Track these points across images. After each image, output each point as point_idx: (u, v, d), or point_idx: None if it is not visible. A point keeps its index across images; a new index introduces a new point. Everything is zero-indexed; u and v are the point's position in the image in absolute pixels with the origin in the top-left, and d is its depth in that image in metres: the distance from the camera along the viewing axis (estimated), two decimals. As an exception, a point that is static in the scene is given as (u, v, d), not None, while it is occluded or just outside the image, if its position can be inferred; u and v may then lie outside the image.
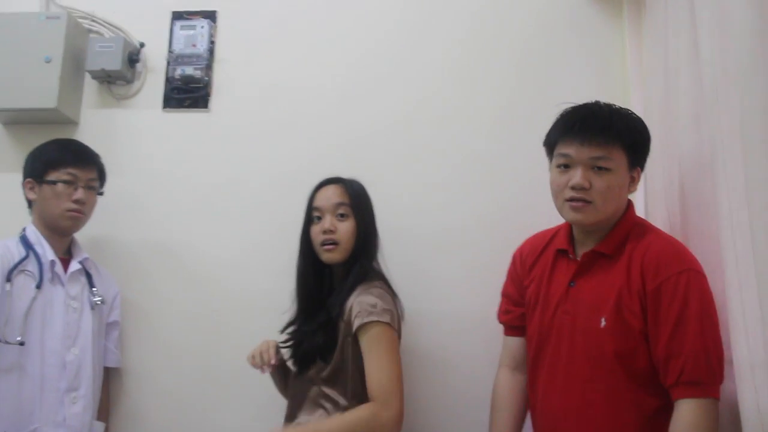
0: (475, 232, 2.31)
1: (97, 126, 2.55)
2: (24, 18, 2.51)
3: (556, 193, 1.69)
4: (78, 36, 2.54)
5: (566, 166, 1.65)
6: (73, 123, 2.54)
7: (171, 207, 2.46)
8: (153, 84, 2.58)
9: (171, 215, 2.46)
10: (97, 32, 2.61)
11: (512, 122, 2.37)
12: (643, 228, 1.69)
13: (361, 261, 1.91)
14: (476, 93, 2.42)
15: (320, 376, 1.84)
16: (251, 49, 2.56)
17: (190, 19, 2.58)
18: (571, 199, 1.63)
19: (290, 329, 1.98)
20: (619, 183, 1.63)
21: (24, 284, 2.02)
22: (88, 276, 2.19)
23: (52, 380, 2.00)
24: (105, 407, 2.26)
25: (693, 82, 1.76)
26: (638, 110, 1.92)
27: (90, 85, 2.59)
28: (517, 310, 1.89)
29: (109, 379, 2.30)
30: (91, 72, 2.53)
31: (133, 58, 2.55)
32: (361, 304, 1.80)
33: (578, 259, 1.72)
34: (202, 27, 2.55)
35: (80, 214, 2.12)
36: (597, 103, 1.70)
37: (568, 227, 1.78)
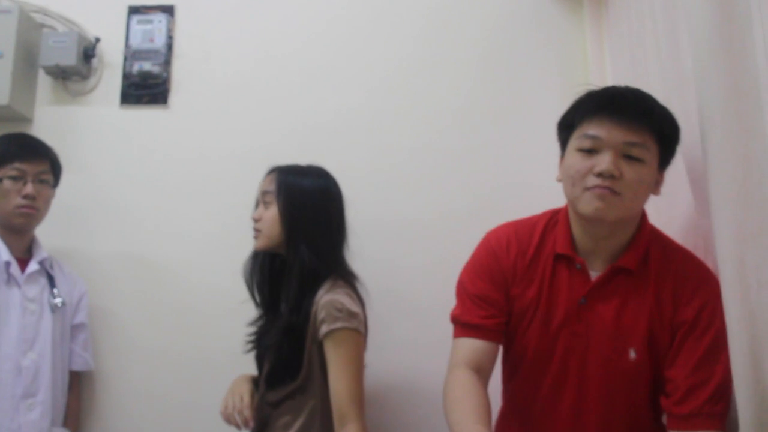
0: (441, 224, 2.31)
1: (51, 123, 2.48)
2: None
3: (575, 179, 1.42)
4: (30, 30, 2.46)
5: (591, 150, 1.40)
6: (26, 120, 2.46)
7: (131, 206, 2.41)
8: (109, 80, 2.52)
9: (131, 214, 2.41)
10: (50, 26, 2.53)
11: (475, 113, 2.37)
12: (661, 240, 1.50)
13: (300, 250, 1.78)
14: (439, 85, 2.41)
15: (284, 393, 1.75)
16: (210, 43, 2.51)
17: (147, 13, 2.52)
18: (595, 187, 1.37)
19: (257, 325, 1.92)
20: (649, 179, 1.40)
21: None
22: (50, 277, 2.09)
23: (7, 386, 1.91)
24: (74, 413, 2.17)
25: (657, 73, 1.77)
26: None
27: (44, 82, 2.52)
28: (503, 317, 1.55)
29: (80, 383, 2.23)
30: (44, 68, 2.46)
31: (88, 53, 2.48)
32: (327, 307, 1.69)
33: (589, 270, 1.49)
34: (160, 21, 2.50)
35: (32, 209, 2.01)
36: (629, 87, 1.47)
37: (567, 226, 1.52)
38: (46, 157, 2.08)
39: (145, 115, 2.48)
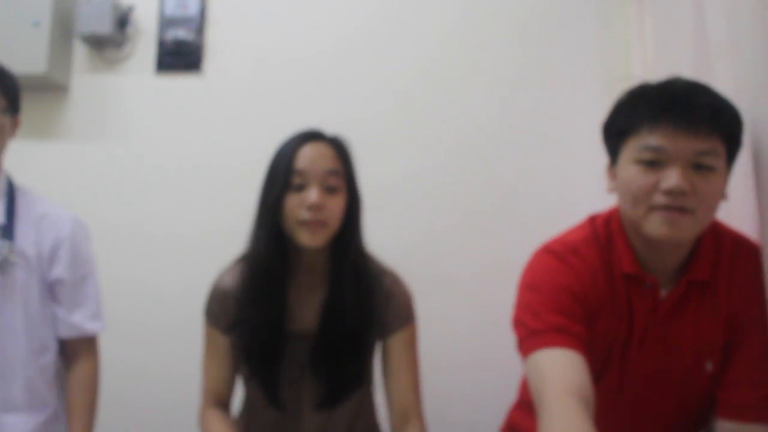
0: (475, 227, 2.29)
1: (88, 91, 2.51)
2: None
3: (637, 197, 1.23)
4: (65, -1, 2.49)
5: (653, 163, 1.21)
6: (63, 88, 2.50)
7: (165, 171, 2.44)
8: (144, 48, 2.53)
9: (165, 179, 2.44)
10: (85, -6, 2.55)
11: (514, 94, 2.34)
12: (727, 237, 1.34)
13: (354, 247, 1.49)
14: (475, 65, 2.37)
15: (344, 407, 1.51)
16: (244, 11, 2.50)
17: (181, -20, 2.53)
18: (665, 207, 1.19)
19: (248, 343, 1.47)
20: (721, 188, 1.22)
21: None
22: (8, 223, 1.60)
23: None
24: (78, 399, 1.64)
25: (696, 45, 1.72)
26: (639, 75, 1.87)
27: (79, 50, 2.54)
28: (586, 333, 1.28)
29: (82, 354, 1.68)
30: (80, 36, 2.48)
31: (123, 21, 2.49)
32: (399, 303, 1.49)
33: (660, 288, 1.32)
34: (194, -12, 2.50)
35: None
36: (682, 79, 1.26)
37: (627, 242, 1.33)
38: None
39: (179, 81, 2.49)
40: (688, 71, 1.67)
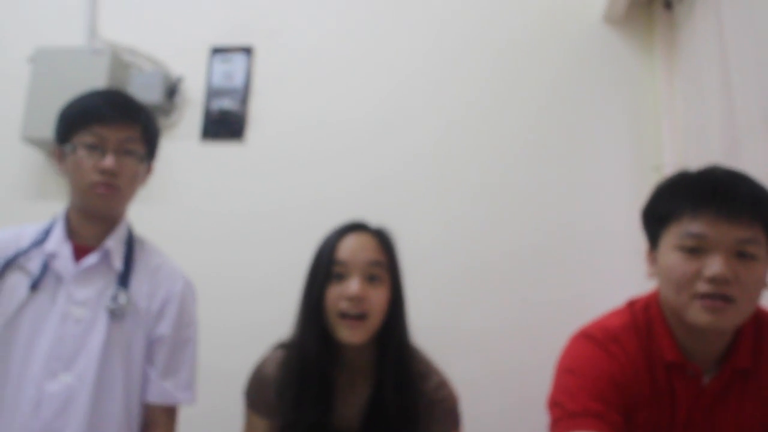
0: (504, 267, 2.32)
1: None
2: (70, 53, 2.61)
3: (680, 284, 1.23)
4: (120, 70, 2.62)
5: (695, 250, 1.22)
6: (113, 153, 2.61)
7: (207, 236, 2.52)
8: (191, 116, 2.66)
9: (208, 244, 2.51)
10: (138, 66, 2.69)
11: (541, 158, 2.39)
12: (765, 321, 1.33)
13: (397, 343, 1.44)
14: (506, 128, 2.43)
15: None
16: (286, 83, 2.62)
17: (229, 53, 2.66)
18: (708, 296, 1.20)
19: None
20: (763, 276, 1.23)
21: (17, 283, 1.48)
22: (124, 272, 1.54)
23: (24, 418, 1.40)
24: None
25: (725, 119, 1.77)
26: (670, 148, 1.91)
27: (130, 117, 2.67)
28: (622, 424, 1.28)
29: (161, 425, 1.56)
30: (132, 104, 2.61)
31: (172, 90, 2.63)
32: (447, 407, 1.44)
33: (702, 375, 1.30)
34: (240, 61, 2.63)
35: (110, 189, 1.51)
36: (721, 168, 1.29)
37: (668, 329, 1.32)
38: (136, 120, 1.57)
39: (222, 149, 2.60)
40: (718, 152, 1.71)
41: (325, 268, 1.41)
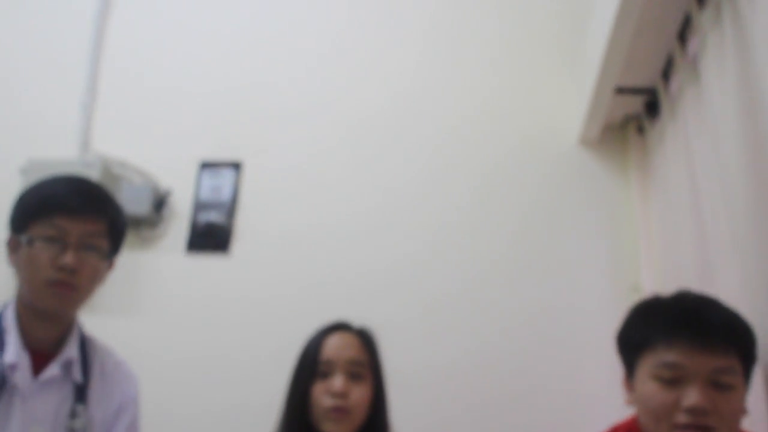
0: (489, 391, 2.30)
1: (120, 267, 2.61)
2: (61, 164, 2.64)
3: (658, 415, 1.22)
4: (110, 182, 2.67)
5: (672, 380, 1.21)
6: (97, 264, 2.62)
7: (191, 348, 2.50)
8: (177, 228, 2.69)
9: (192, 356, 2.49)
10: (128, 178, 2.75)
11: (520, 278, 2.43)
12: None
13: None
14: (484, 250, 2.48)
15: None
16: (272, 197, 2.68)
17: (217, 168, 2.73)
18: (688, 427, 1.18)
19: None
20: (742, 405, 1.22)
21: None
22: (80, 384, 1.43)
23: None
24: None
25: (698, 241, 1.82)
26: (647, 268, 1.94)
27: (117, 228, 2.70)
28: None
29: None
30: (119, 216, 2.65)
31: (160, 203, 2.67)
32: None
33: None
34: (228, 176, 2.70)
35: (68, 288, 1.37)
36: (692, 293, 1.29)
37: None
38: (103, 212, 1.44)
39: (207, 261, 2.62)
40: (693, 274, 1.75)
41: (310, 367, 1.48)
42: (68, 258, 1.35)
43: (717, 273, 1.58)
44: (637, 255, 2.29)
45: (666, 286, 1.81)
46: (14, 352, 1.36)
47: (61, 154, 2.80)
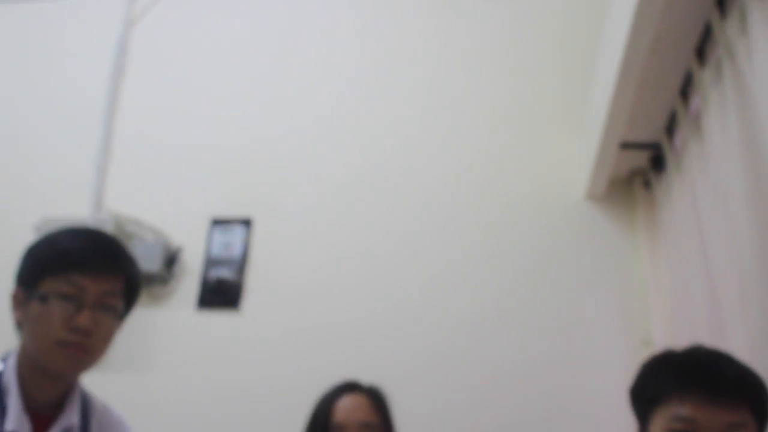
0: None
1: (132, 325, 2.62)
2: (74, 223, 2.69)
3: None
4: (122, 239, 2.68)
5: None
6: (108, 321, 2.63)
7: (200, 405, 2.48)
8: (188, 284, 2.71)
9: (200, 412, 2.47)
10: (140, 236, 2.78)
11: (530, 334, 2.42)
12: None
13: None
14: (493, 308, 2.49)
15: None
16: (283, 253, 2.71)
17: (228, 224, 2.76)
18: None
19: None
20: None
21: None
22: None
23: None
24: None
25: (707, 295, 1.82)
26: (658, 323, 1.94)
27: (128, 285, 2.72)
28: None
29: None
30: (131, 273, 2.67)
31: (171, 260, 2.70)
32: None
33: None
34: (239, 233, 2.73)
35: (82, 351, 1.28)
36: (705, 348, 1.30)
37: None
38: (122, 270, 1.35)
39: (218, 318, 2.63)
40: (704, 329, 1.75)
41: (322, 431, 1.49)
42: (83, 320, 1.26)
43: (727, 327, 1.58)
44: (647, 309, 2.28)
45: (677, 341, 1.80)
46: (15, 418, 1.27)
47: (75, 212, 2.83)
